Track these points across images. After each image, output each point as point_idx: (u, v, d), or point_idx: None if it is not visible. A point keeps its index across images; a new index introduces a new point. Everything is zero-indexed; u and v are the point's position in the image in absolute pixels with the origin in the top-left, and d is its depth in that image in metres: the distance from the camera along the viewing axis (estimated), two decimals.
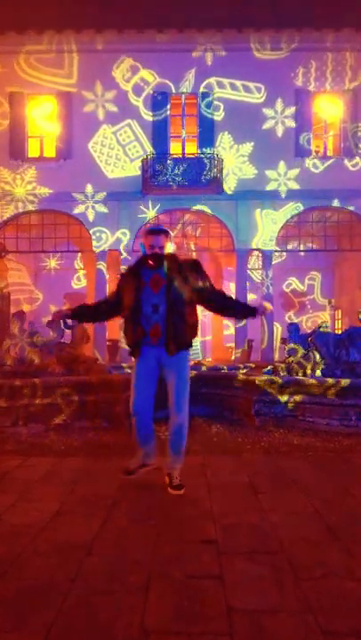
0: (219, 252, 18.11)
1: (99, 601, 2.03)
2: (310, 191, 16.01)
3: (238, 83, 16.17)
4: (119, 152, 16.25)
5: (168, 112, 16.35)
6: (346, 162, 16.12)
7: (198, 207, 16.18)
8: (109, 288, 16.62)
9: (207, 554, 2.45)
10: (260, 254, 16.77)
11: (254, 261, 18.21)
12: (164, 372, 3.45)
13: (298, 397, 5.81)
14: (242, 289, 16.37)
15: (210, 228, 16.80)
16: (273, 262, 16.58)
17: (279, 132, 16.15)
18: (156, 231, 3.49)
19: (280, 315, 14.77)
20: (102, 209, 16.25)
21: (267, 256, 16.40)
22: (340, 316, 19.79)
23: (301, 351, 7.45)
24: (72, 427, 5.68)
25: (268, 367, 8.15)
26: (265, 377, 6.38)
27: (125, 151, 16.24)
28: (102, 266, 16.48)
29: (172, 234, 3.58)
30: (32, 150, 16.71)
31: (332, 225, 16.58)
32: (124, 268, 15.96)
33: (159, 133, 16.25)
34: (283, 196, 16.03)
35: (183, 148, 16.48)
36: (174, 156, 16.13)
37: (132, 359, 3.55)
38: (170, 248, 3.47)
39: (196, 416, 5.83)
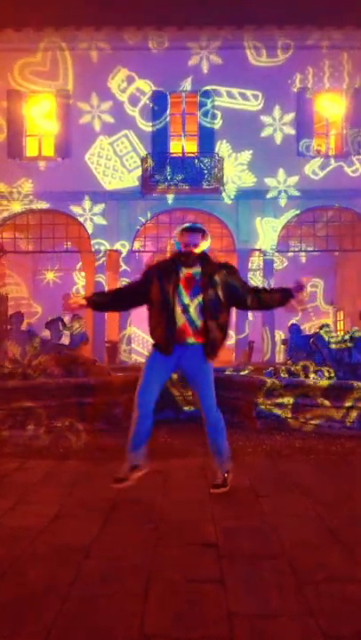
0: (219, 252, 18.11)
1: (98, 605, 2.03)
2: (312, 191, 16.03)
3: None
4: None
5: (168, 111, 16.35)
6: (348, 161, 16.12)
7: (198, 207, 16.18)
8: (108, 289, 16.61)
9: (208, 557, 2.45)
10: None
11: (256, 264, 18.20)
12: (187, 371, 3.45)
13: (300, 399, 5.81)
14: None
15: (210, 228, 16.74)
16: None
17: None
18: (193, 229, 3.46)
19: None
20: (101, 208, 16.25)
21: (268, 262, 16.40)
22: (342, 317, 19.78)
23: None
24: (70, 429, 5.68)
25: (269, 369, 8.15)
26: (266, 378, 6.37)
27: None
28: (101, 266, 16.46)
29: (208, 233, 3.52)
30: (30, 149, 16.72)
31: (334, 225, 16.58)
32: (124, 266, 15.99)
33: (159, 132, 16.25)
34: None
35: (183, 147, 16.48)
36: (174, 155, 16.13)
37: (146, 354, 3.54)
38: (205, 247, 3.44)
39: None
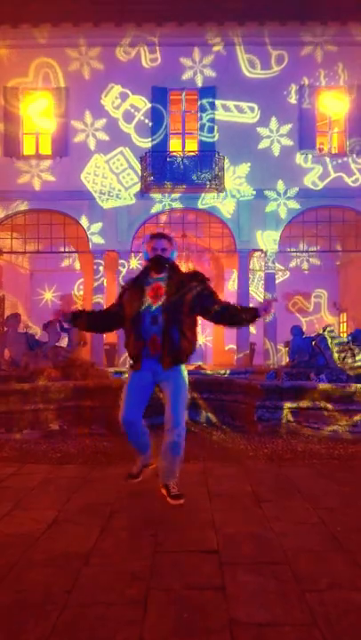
0: (220, 252, 18.13)
1: (96, 613, 2.02)
2: (314, 191, 16.06)
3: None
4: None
5: (167, 108, 16.36)
6: (351, 159, 16.13)
7: (199, 206, 16.19)
8: (107, 289, 16.62)
9: (208, 564, 2.45)
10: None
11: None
12: (160, 384, 3.47)
13: (302, 403, 5.81)
14: (244, 290, 16.39)
15: (211, 228, 16.81)
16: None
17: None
18: (158, 235, 3.60)
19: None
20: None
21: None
22: (345, 319, 19.79)
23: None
24: (68, 433, 5.68)
25: (271, 371, 8.15)
26: (268, 382, 6.38)
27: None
28: (100, 266, 16.47)
29: (175, 241, 3.64)
30: (27, 147, 16.73)
31: (337, 225, 16.60)
32: (122, 268, 15.99)
33: (158, 130, 16.25)
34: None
35: (183, 146, 16.50)
36: (174, 154, 16.14)
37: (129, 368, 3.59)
38: (173, 255, 3.53)
39: (197, 422, 5.83)
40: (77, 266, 19.94)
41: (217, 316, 3.45)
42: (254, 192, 16.08)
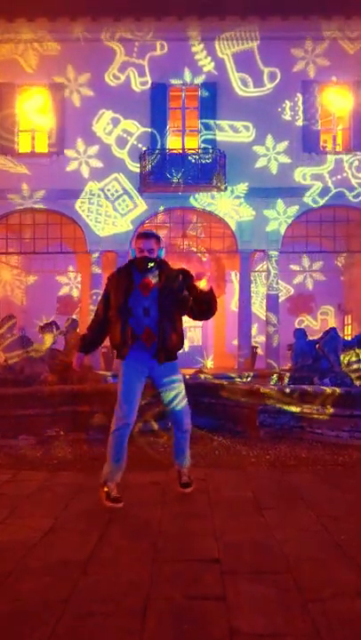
0: (221, 253, 18.14)
1: (94, 624, 2.03)
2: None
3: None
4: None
5: (167, 105, 16.39)
6: (356, 157, 16.17)
7: (199, 206, 16.21)
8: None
9: (209, 573, 2.45)
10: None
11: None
12: (155, 380, 3.58)
13: (305, 408, 5.82)
14: (245, 292, 16.40)
15: (212, 228, 16.83)
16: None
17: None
18: (147, 235, 3.67)
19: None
20: (98, 207, 16.26)
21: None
22: (349, 321, 19.79)
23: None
24: (65, 439, 5.68)
25: (274, 375, 8.16)
26: (270, 386, 6.38)
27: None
28: (97, 268, 16.48)
29: (162, 239, 3.76)
30: (23, 145, 16.74)
31: (341, 225, 16.61)
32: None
33: (157, 128, 16.27)
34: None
35: (183, 143, 16.51)
36: (174, 151, 16.15)
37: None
38: (161, 254, 3.61)
39: (198, 427, 5.84)
40: (75, 266, 19.94)
41: (197, 315, 3.65)
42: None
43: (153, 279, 3.52)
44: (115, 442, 3.48)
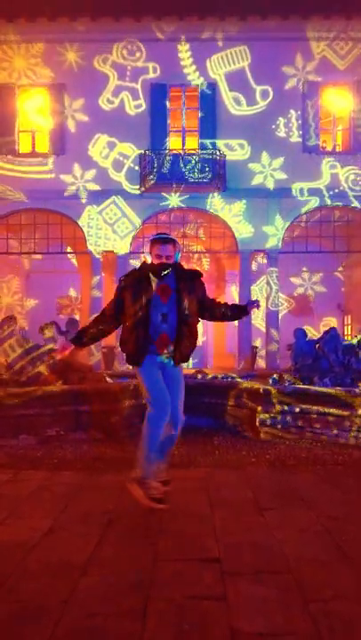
0: (221, 253, 18.13)
1: (94, 625, 2.02)
2: (317, 190, 16.09)
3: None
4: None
5: (167, 105, 16.38)
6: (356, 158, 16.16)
7: (199, 206, 16.20)
8: (105, 291, 16.60)
9: (209, 574, 2.45)
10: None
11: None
12: (163, 379, 3.55)
13: (305, 407, 5.81)
14: (245, 292, 16.39)
15: (212, 228, 16.82)
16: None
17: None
18: (164, 240, 3.57)
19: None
20: (98, 207, 16.25)
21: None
22: (349, 321, 19.79)
23: None
24: (65, 439, 5.67)
25: (274, 375, 8.15)
26: (270, 386, 6.38)
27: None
28: (97, 268, 16.47)
29: (179, 243, 3.70)
30: (23, 145, 16.74)
31: (342, 225, 16.60)
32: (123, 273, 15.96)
33: (158, 127, 16.26)
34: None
35: (183, 144, 16.51)
36: (174, 152, 16.14)
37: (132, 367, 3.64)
38: (177, 257, 3.59)
39: (198, 427, 5.83)
40: (75, 266, 19.93)
41: (211, 317, 3.75)
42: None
43: (170, 285, 3.51)
44: (155, 431, 3.35)
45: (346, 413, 5.62)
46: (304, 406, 5.81)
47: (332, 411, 5.69)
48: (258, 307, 3.79)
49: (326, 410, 5.72)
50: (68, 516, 3.26)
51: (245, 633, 1.95)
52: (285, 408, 5.82)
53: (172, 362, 3.51)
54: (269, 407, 5.85)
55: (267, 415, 5.84)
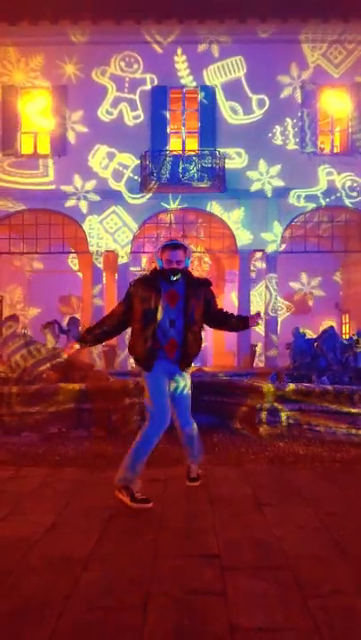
0: (221, 253, 18.12)
1: (95, 620, 2.02)
2: (314, 196, 16.09)
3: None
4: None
5: (167, 107, 16.36)
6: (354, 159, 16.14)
7: (199, 206, 16.18)
8: (106, 291, 16.60)
9: (209, 569, 2.45)
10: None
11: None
12: (170, 385, 3.61)
13: (303, 405, 5.81)
14: (245, 292, 16.38)
15: (211, 228, 16.80)
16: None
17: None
18: (175, 246, 3.61)
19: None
20: (98, 208, 16.23)
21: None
22: (347, 320, 19.79)
23: None
24: (67, 436, 5.68)
25: (273, 373, 8.15)
26: (269, 384, 6.38)
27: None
28: (99, 266, 16.45)
29: (190, 248, 3.70)
30: (25, 146, 16.72)
31: (340, 225, 16.59)
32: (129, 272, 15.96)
33: (158, 129, 16.24)
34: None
35: (183, 145, 16.49)
36: (174, 153, 16.13)
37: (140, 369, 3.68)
38: (187, 263, 3.61)
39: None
40: (76, 266, 19.92)
41: (215, 325, 3.83)
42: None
43: (179, 291, 3.54)
44: (148, 446, 3.42)
45: (345, 410, 5.63)
46: (302, 404, 5.82)
47: (330, 408, 5.70)
48: (259, 321, 3.83)
49: (324, 407, 5.72)
50: (69, 512, 3.26)
51: (245, 628, 1.95)
52: (284, 406, 5.82)
53: (177, 367, 3.55)
54: (268, 405, 5.85)
55: (266, 413, 5.84)
